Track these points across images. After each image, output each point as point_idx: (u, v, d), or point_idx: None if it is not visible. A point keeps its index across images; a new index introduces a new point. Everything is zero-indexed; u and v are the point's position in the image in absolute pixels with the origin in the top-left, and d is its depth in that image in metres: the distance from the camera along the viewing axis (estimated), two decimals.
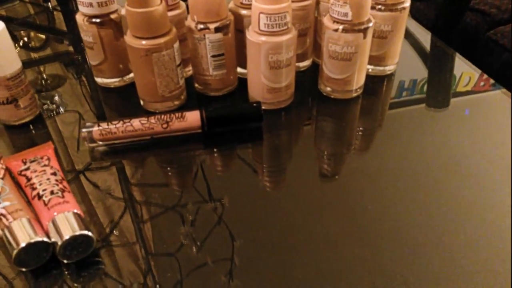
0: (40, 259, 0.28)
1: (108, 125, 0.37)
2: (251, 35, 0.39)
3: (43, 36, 0.64)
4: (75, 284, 0.28)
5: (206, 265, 0.29)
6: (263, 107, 0.41)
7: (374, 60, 0.46)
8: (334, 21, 0.40)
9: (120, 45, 0.44)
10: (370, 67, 0.47)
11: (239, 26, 0.43)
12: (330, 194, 0.35)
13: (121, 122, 0.38)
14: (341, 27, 0.39)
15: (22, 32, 0.65)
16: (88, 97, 0.47)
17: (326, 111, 0.45)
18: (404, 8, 0.43)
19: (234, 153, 0.40)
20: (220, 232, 0.31)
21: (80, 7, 0.42)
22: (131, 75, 0.47)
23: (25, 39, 0.64)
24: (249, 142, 0.41)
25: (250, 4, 0.41)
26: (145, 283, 0.28)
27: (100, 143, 0.38)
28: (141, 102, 0.43)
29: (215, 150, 0.40)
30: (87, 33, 0.43)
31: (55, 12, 0.70)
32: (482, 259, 0.29)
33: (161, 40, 0.38)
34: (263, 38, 0.38)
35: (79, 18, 0.43)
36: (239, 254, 0.30)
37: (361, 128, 0.42)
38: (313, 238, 0.31)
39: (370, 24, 0.40)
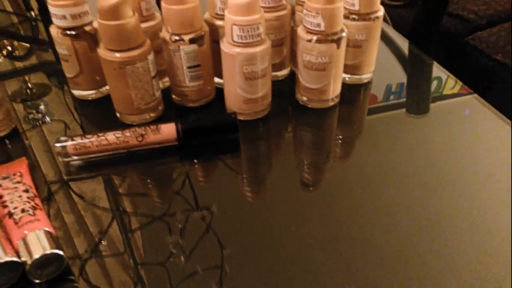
0: (10, 279, 0.28)
1: (82, 139, 0.37)
2: (225, 47, 0.39)
3: (28, 45, 0.64)
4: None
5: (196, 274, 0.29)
6: (240, 118, 0.41)
7: (350, 69, 0.47)
8: (307, 32, 0.40)
9: (95, 57, 0.43)
10: (347, 76, 0.47)
11: (215, 36, 0.43)
12: (312, 202, 0.36)
13: (96, 136, 0.37)
14: (314, 37, 0.39)
15: (5, 41, 0.65)
16: (72, 108, 0.47)
17: (304, 121, 0.45)
18: (377, 17, 0.44)
19: (212, 164, 0.40)
20: (208, 241, 0.31)
21: (54, 20, 0.41)
22: (108, 86, 0.47)
23: (9, 48, 0.64)
24: (227, 153, 0.40)
25: (222, 15, 0.41)
26: None
27: (75, 157, 0.38)
28: (117, 115, 0.43)
29: (193, 162, 0.40)
30: (62, 46, 0.42)
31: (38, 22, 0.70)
32: (471, 261, 0.30)
33: (135, 53, 0.38)
34: (237, 50, 0.38)
35: (53, 30, 0.42)
36: (228, 263, 0.30)
37: (339, 137, 0.43)
38: (298, 245, 0.31)
39: (343, 34, 0.40)
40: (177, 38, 0.40)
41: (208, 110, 0.45)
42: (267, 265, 0.30)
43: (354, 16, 0.43)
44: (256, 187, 0.38)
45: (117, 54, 0.38)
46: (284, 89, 0.48)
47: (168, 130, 0.38)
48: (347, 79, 0.48)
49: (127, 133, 0.38)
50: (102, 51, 0.38)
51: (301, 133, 0.44)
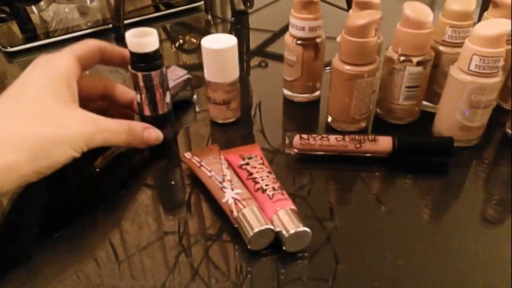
0: (263, 243, 0.33)
1: (308, 136, 0.42)
2: (456, 73, 0.40)
3: (195, 41, 0.73)
4: (282, 270, 0.32)
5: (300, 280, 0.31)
6: None
7: None
8: None
9: (316, 65, 0.49)
10: None
11: (435, 62, 0.45)
12: (485, 241, 0.35)
13: (320, 136, 0.42)
14: None
15: (180, 35, 0.76)
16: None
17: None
18: None
19: (414, 182, 0.41)
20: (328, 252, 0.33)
21: (292, 29, 0.47)
22: (316, 93, 0.52)
23: (180, 41, 0.75)
24: (432, 174, 0.42)
25: (451, 42, 0.43)
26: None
27: (296, 151, 0.43)
28: (329, 119, 0.47)
29: (397, 176, 0.42)
30: (292, 53, 0.48)
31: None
32: None
33: (366, 68, 0.42)
34: (470, 78, 0.39)
35: (287, 39, 0.48)
36: (340, 278, 0.31)
37: None
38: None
39: None
40: (405, 59, 0.43)
41: (411, 129, 0.47)
42: None
43: None
44: (432, 213, 0.38)
45: (350, 67, 0.42)
46: (491, 122, 0.46)
47: (385, 142, 0.41)
48: None
49: (347, 138, 0.42)
50: (337, 63, 0.43)
51: (505, 169, 0.43)
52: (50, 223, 0.37)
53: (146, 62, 0.40)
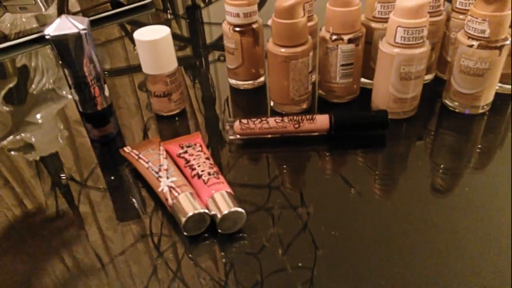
0: (199, 228, 0.33)
1: (247, 121, 0.42)
2: (384, 47, 0.41)
3: None
4: (222, 253, 0.33)
5: (285, 271, 0.31)
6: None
7: (504, 78, 0.46)
8: (469, 37, 0.40)
9: (256, 52, 0.49)
10: (499, 84, 0.46)
11: (368, 38, 0.46)
12: (439, 210, 0.35)
13: (259, 119, 0.43)
14: (476, 43, 0.40)
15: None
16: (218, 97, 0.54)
17: (448, 125, 0.45)
18: None
19: (352, 157, 0.42)
20: (305, 239, 0.33)
21: (228, 17, 0.48)
22: (261, 79, 0.52)
23: None
24: (370, 148, 0.43)
25: (381, 18, 0.44)
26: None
27: (238, 136, 0.43)
28: (271, 103, 0.48)
29: (337, 152, 0.42)
30: (231, 40, 0.48)
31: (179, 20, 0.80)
32: None
33: (299, 49, 0.43)
34: (397, 50, 0.40)
35: (225, 26, 0.49)
36: (320, 264, 0.31)
37: (482, 146, 0.42)
38: (404, 255, 0.31)
39: (507, 42, 0.40)
40: (336, 37, 0.43)
41: (351, 107, 0.48)
42: (360, 272, 0.31)
43: None
44: (385, 186, 0.39)
45: (283, 50, 0.43)
46: (429, 93, 0.48)
47: (322, 121, 0.42)
48: (497, 87, 0.47)
49: (286, 119, 0.42)
50: (271, 46, 0.43)
51: (444, 137, 0.44)
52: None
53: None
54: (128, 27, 0.77)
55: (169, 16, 0.82)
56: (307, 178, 0.41)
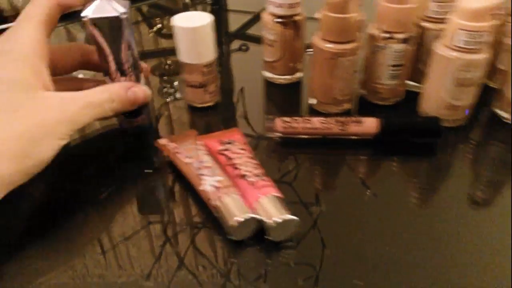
0: (246, 233, 0.31)
1: (290, 119, 0.40)
2: (440, 50, 0.39)
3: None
4: (268, 261, 0.31)
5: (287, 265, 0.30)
6: None
7: None
8: None
9: (296, 45, 0.47)
10: None
11: (419, 39, 0.43)
12: (474, 223, 0.34)
13: (302, 118, 0.40)
14: None
15: (157, 19, 0.72)
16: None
17: (498, 136, 0.43)
18: None
19: (400, 165, 0.40)
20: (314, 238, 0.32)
21: (270, 7, 0.45)
22: (298, 74, 0.50)
23: (159, 25, 0.71)
24: (419, 156, 0.40)
25: (436, 18, 0.41)
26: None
27: (278, 135, 0.41)
28: (312, 101, 0.45)
29: (383, 158, 0.40)
30: (271, 32, 0.46)
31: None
32: None
33: (348, 46, 0.40)
34: (455, 54, 0.38)
35: (266, 17, 0.46)
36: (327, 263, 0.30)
37: None
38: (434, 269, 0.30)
39: None
40: (388, 36, 0.41)
41: (396, 110, 0.46)
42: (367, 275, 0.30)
43: None
44: (421, 196, 0.36)
45: (332, 45, 0.40)
46: (480, 102, 0.45)
47: (370, 124, 0.40)
48: None
49: (331, 120, 0.40)
50: (318, 41, 0.41)
51: (493, 149, 0.42)
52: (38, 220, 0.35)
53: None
54: (144, 10, 0.74)
55: (187, 0, 0.79)
56: (348, 184, 0.38)
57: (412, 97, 0.45)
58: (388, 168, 0.40)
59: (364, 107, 0.46)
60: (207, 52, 0.43)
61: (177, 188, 0.37)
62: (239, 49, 0.60)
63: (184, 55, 0.43)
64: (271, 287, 0.29)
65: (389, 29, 0.41)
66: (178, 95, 0.50)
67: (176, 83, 0.52)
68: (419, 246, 0.32)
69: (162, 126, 0.45)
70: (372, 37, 0.42)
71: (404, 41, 0.41)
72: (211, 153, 0.37)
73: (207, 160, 0.36)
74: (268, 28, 0.46)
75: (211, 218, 0.33)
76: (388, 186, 0.37)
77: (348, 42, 0.40)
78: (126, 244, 0.32)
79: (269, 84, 0.51)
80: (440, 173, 0.40)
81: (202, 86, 0.44)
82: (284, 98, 0.49)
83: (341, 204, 0.35)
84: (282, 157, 0.41)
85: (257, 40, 0.62)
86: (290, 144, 0.41)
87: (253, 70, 0.53)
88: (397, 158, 0.40)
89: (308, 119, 0.40)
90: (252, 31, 0.66)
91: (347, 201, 0.36)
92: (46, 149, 0.31)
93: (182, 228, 0.33)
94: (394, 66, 0.42)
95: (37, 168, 0.31)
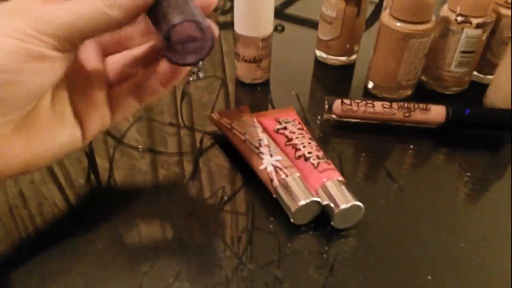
0: (307, 217, 0.29)
1: (351, 101, 0.38)
2: None
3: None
4: (325, 248, 0.29)
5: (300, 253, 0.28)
6: None
7: None
8: None
9: (356, 25, 0.44)
10: None
11: (493, 26, 0.40)
12: None
13: (364, 102, 0.38)
14: None
15: None
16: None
17: None
18: None
19: (463, 157, 0.37)
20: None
21: None
22: (353, 56, 0.47)
23: None
24: (487, 149, 0.38)
25: None
26: None
27: (335, 117, 0.39)
28: (369, 85, 0.43)
29: (444, 150, 0.38)
30: (332, 8, 0.43)
31: None
32: None
33: (421, 27, 0.37)
34: None
35: None
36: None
37: None
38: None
39: None
40: (463, 19, 0.38)
41: (457, 100, 0.43)
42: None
43: None
44: (472, 192, 0.34)
45: (404, 25, 0.37)
46: None
47: (437, 112, 0.37)
48: None
49: (395, 106, 0.37)
50: (387, 19, 0.38)
51: None
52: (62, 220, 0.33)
53: None
54: None
55: None
56: (406, 176, 0.36)
57: (477, 88, 0.42)
58: (447, 160, 0.37)
59: (423, 95, 0.43)
60: (266, 24, 0.40)
61: (231, 165, 0.35)
62: (275, 29, 0.57)
63: (242, 26, 0.40)
64: (336, 277, 0.27)
65: (466, 12, 0.38)
66: (201, 74, 0.47)
67: (200, 62, 0.49)
68: (464, 244, 0.29)
69: (206, 100, 0.43)
70: (445, 20, 0.39)
71: (480, 26, 0.38)
72: (268, 131, 0.35)
73: (265, 138, 0.33)
74: (330, 4, 0.43)
75: (267, 198, 0.31)
76: (453, 180, 0.35)
77: (422, 22, 0.37)
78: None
79: (319, 65, 0.48)
80: (498, 169, 0.37)
81: (256, 61, 0.42)
82: (335, 80, 0.47)
83: (405, 196, 0.33)
84: (337, 142, 0.38)
85: (296, 20, 0.59)
86: (344, 128, 0.39)
87: (302, 49, 0.51)
88: (460, 150, 0.37)
89: (370, 103, 0.38)
90: (290, 10, 0.62)
91: (409, 193, 0.33)
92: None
93: (242, 212, 0.32)
94: (464, 52, 0.39)
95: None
